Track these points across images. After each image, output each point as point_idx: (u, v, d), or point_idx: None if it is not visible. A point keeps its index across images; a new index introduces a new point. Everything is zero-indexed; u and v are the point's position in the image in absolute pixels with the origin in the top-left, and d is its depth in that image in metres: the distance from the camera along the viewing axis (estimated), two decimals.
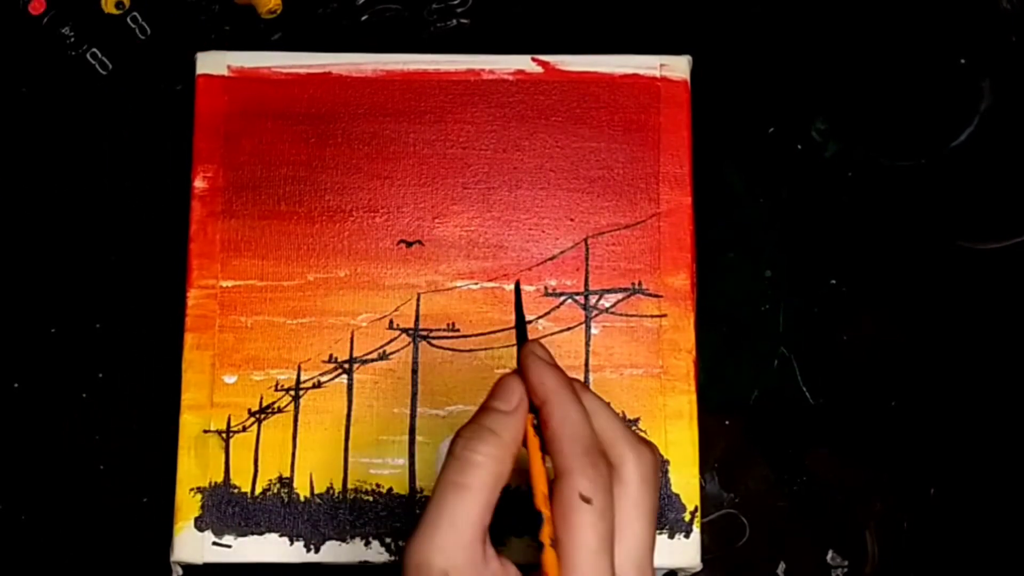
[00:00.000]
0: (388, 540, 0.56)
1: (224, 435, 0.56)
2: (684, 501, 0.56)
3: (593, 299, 0.58)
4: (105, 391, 0.60)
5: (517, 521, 0.50)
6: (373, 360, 0.57)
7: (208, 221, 0.58)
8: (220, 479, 0.56)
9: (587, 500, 0.39)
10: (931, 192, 0.62)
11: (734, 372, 0.61)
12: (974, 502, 0.60)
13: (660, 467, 0.44)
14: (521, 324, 0.47)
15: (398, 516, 0.56)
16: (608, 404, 0.44)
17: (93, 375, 0.60)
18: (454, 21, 0.63)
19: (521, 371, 0.43)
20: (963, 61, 0.63)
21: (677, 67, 0.60)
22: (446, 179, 0.59)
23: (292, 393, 0.57)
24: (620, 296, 0.58)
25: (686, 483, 0.56)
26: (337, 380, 0.57)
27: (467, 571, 0.39)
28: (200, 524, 0.56)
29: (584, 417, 0.41)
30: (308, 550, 0.56)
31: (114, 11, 0.63)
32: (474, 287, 0.58)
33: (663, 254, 0.58)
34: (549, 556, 0.39)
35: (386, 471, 0.56)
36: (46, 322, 0.60)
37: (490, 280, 0.58)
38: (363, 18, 0.63)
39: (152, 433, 0.59)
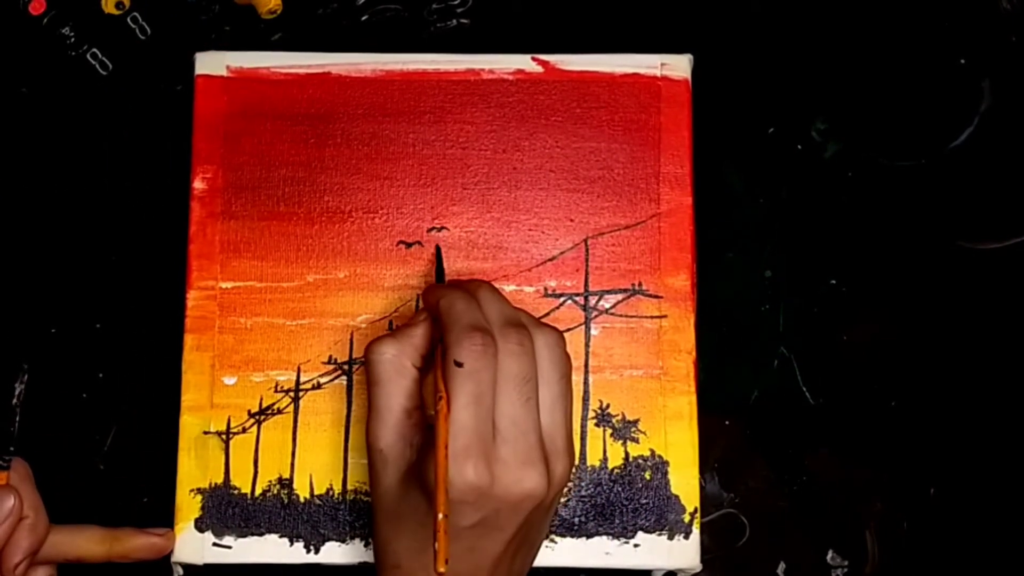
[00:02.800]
0: None
1: (224, 436, 0.56)
2: (684, 502, 0.56)
3: (593, 300, 0.58)
4: (105, 391, 0.60)
5: None
6: None
7: (207, 222, 0.58)
8: (220, 480, 0.56)
9: (459, 365, 0.47)
10: (931, 192, 0.62)
11: (734, 372, 0.61)
12: (974, 502, 0.60)
13: (556, 341, 0.50)
14: (440, 273, 0.57)
15: None
16: (499, 296, 0.51)
17: (93, 375, 0.60)
18: (454, 21, 0.63)
19: (424, 297, 0.53)
20: (963, 61, 0.63)
21: (678, 66, 0.59)
22: (446, 179, 0.59)
23: (292, 394, 0.57)
24: (620, 297, 0.58)
25: (686, 484, 0.56)
26: (337, 381, 0.57)
27: (395, 447, 0.49)
28: (200, 525, 0.56)
29: (466, 305, 0.49)
30: (308, 551, 0.56)
31: (114, 11, 0.63)
32: None
33: (663, 254, 0.58)
34: (442, 408, 0.47)
35: None
36: (46, 322, 0.60)
37: (490, 281, 0.58)
38: (363, 18, 0.63)
39: (152, 433, 0.59)
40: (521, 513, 0.48)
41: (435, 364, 0.49)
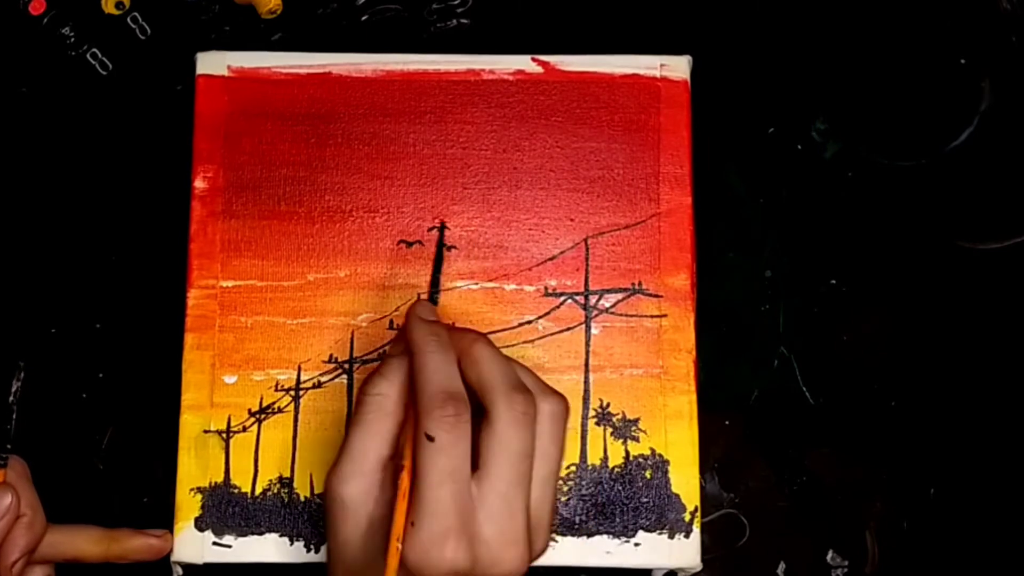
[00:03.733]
0: None
1: (224, 435, 0.56)
2: (684, 501, 0.56)
3: (593, 299, 0.58)
4: (105, 391, 0.60)
5: None
6: (373, 360, 0.57)
7: (208, 221, 0.58)
8: (220, 479, 0.56)
9: (430, 439, 0.44)
10: (931, 192, 0.62)
11: (734, 372, 0.61)
12: (974, 502, 0.60)
13: (561, 413, 0.47)
14: (435, 282, 0.55)
15: None
16: (499, 354, 0.47)
17: (93, 375, 0.60)
18: (454, 21, 0.63)
19: (406, 327, 0.49)
20: (963, 61, 0.63)
21: (677, 67, 0.60)
22: (446, 179, 0.59)
23: (292, 393, 0.57)
24: (620, 296, 0.58)
25: (686, 483, 0.56)
26: (337, 380, 0.57)
27: (360, 498, 0.45)
28: (200, 524, 0.56)
29: (441, 366, 0.46)
30: (308, 550, 0.56)
31: (114, 11, 0.63)
32: (474, 287, 0.58)
33: (663, 254, 0.58)
34: (403, 482, 0.44)
35: None
36: (46, 322, 0.60)
37: (490, 280, 0.58)
38: (363, 18, 0.63)
39: (152, 433, 0.59)
40: None
41: (406, 423, 0.46)
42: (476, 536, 0.44)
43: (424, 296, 0.57)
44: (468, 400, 0.45)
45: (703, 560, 0.56)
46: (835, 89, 0.63)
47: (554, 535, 0.56)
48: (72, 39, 0.62)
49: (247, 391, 0.57)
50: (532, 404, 0.46)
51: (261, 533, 0.56)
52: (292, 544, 0.56)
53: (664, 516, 0.56)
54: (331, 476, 0.46)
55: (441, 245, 0.57)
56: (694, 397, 0.57)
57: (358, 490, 0.46)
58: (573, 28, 0.63)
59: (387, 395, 0.47)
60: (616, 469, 0.57)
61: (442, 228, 0.57)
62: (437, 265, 0.57)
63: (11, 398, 0.53)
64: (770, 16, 0.63)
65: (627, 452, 0.57)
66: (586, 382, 0.57)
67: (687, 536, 0.56)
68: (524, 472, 0.45)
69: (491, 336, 0.57)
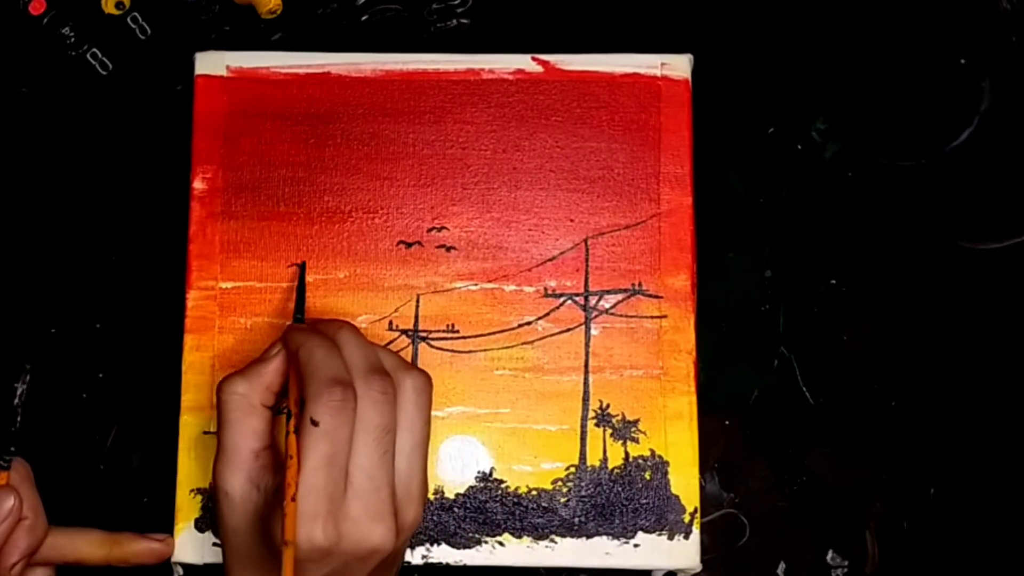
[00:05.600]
0: None
1: None
2: (684, 502, 0.56)
3: (593, 300, 0.58)
4: (105, 391, 0.60)
5: None
6: None
7: (207, 222, 0.58)
8: None
9: (315, 423, 0.46)
10: (931, 192, 0.62)
11: (734, 372, 0.61)
12: (974, 502, 0.60)
13: (424, 385, 0.50)
14: (300, 304, 0.55)
15: None
16: (362, 339, 0.50)
17: (93, 375, 0.60)
18: (454, 21, 0.63)
19: (283, 339, 0.51)
20: (963, 61, 0.63)
21: (678, 66, 0.59)
22: (446, 179, 0.59)
23: None
24: (620, 297, 0.58)
25: (686, 484, 0.56)
26: None
27: (242, 490, 0.48)
28: (200, 525, 0.56)
29: (326, 354, 0.48)
30: None
31: (114, 11, 0.63)
32: (473, 288, 0.58)
33: (663, 255, 0.58)
34: (290, 467, 0.46)
35: None
36: (46, 322, 0.60)
37: (489, 281, 0.58)
38: (363, 18, 0.63)
39: (152, 433, 0.59)
40: (369, 564, 0.47)
41: (288, 414, 0.48)
42: (343, 514, 0.46)
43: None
44: (355, 389, 0.47)
45: (703, 560, 0.56)
46: (835, 89, 0.62)
47: (554, 536, 0.56)
48: (72, 39, 0.62)
49: None
50: (390, 384, 0.48)
51: None
52: None
53: (664, 517, 0.56)
54: (214, 472, 0.49)
55: (302, 290, 0.56)
56: (694, 398, 0.57)
57: (238, 482, 0.48)
58: (573, 27, 0.63)
59: (245, 394, 0.49)
60: (616, 470, 0.57)
61: (303, 267, 0.57)
62: (300, 292, 0.56)
63: (16, 400, 0.53)
64: (770, 16, 0.63)
65: (627, 453, 0.57)
66: (586, 383, 0.57)
67: (687, 537, 0.56)
68: (386, 447, 0.47)
69: (491, 337, 0.57)
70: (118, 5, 0.63)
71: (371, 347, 0.50)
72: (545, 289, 0.58)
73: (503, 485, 0.57)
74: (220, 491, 0.48)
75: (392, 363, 0.50)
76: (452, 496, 0.57)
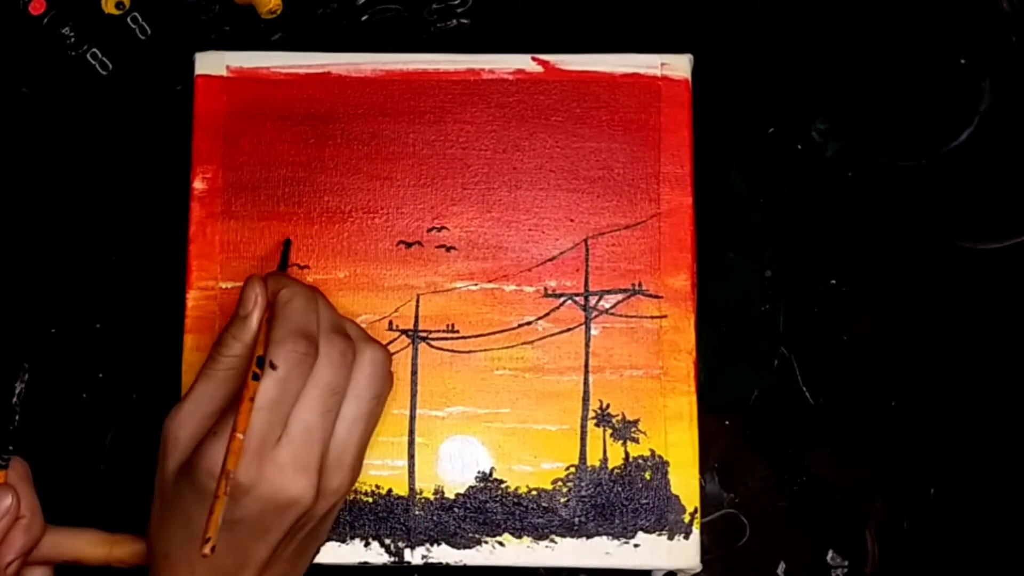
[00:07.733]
0: (387, 541, 0.56)
1: None
2: (684, 502, 0.56)
3: (593, 300, 0.58)
4: (105, 391, 0.60)
5: None
6: None
7: (207, 222, 0.58)
8: None
9: (273, 367, 0.47)
10: (931, 192, 0.62)
11: (734, 372, 0.61)
12: (974, 502, 0.60)
13: (382, 360, 0.51)
14: (284, 260, 0.56)
15: (398, 517, 0.56)
16: (329, 306, 0.51)
17: (93, 375, 0.60)
18: (454, 21, 0.63)
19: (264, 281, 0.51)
20: (963, 61, 0.63)
21: (678, 66, 0.59)
22: (446, 179, 0.59)
23: None
24: (620, 297, 0.58)
25: (686, 484, 0.56)
26: None
27: (188, 438, 0.49)
28: None
29: (304, 307, 0.49)
30: None
31: (114, 11, 0.63)
32: (473, 288, 0.58)
33: (663, 255, 0.58)
34: (244, 409, 0.47)
35: (385, 472, 0.56)
36: (46, 322, 0.60)
37: (489, 281, 0.58)
38: (363, 18, 0.63)
39: (152, 433, 0.59)
40: (287, 518, 0.48)
41: (260, 360, 0.48)
42: (270, 458, 0.47)
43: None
44: (319, 349, 0.48)
45: (703, 560, 0.56)
46: (835, 89, 0.62)
47: (554, 536, 0.56)
48: (72, 39, 0.62)
49: None
50: (351, 349, 0.50)
51: None
52: None
53: (664, 517, 0.56)
54: (170, 417, 0.50)
55: (286, 253, 0.57)
56: (694, 398, 0.57)
57: (190, 433, 0.49)
58: (573, 27, 0.63)
59: (240, 356, 0.50)
60: (616, 470, 0.57)
61: (287, 243, 0.58)
62: (286, 250, 0.57)
63: (14, 399, 0.53)
64: (770, 16, 0.63)
65: (627, 453, 0.57)
66: (586, 383, 0.57)
67: (687, 537, 0.56)
68: (330, 407, 0.49)
69: (491, 337, 0.57)
70: (118, 5, 0.63)
71: (341, 316, 0.51)
72: (545, 289, 0.58)
73: (503, 485, 0.57)
74: (169, 438, 0.49)
75: (356, 333, 0.51)
76: (452, 496, 0.57)
